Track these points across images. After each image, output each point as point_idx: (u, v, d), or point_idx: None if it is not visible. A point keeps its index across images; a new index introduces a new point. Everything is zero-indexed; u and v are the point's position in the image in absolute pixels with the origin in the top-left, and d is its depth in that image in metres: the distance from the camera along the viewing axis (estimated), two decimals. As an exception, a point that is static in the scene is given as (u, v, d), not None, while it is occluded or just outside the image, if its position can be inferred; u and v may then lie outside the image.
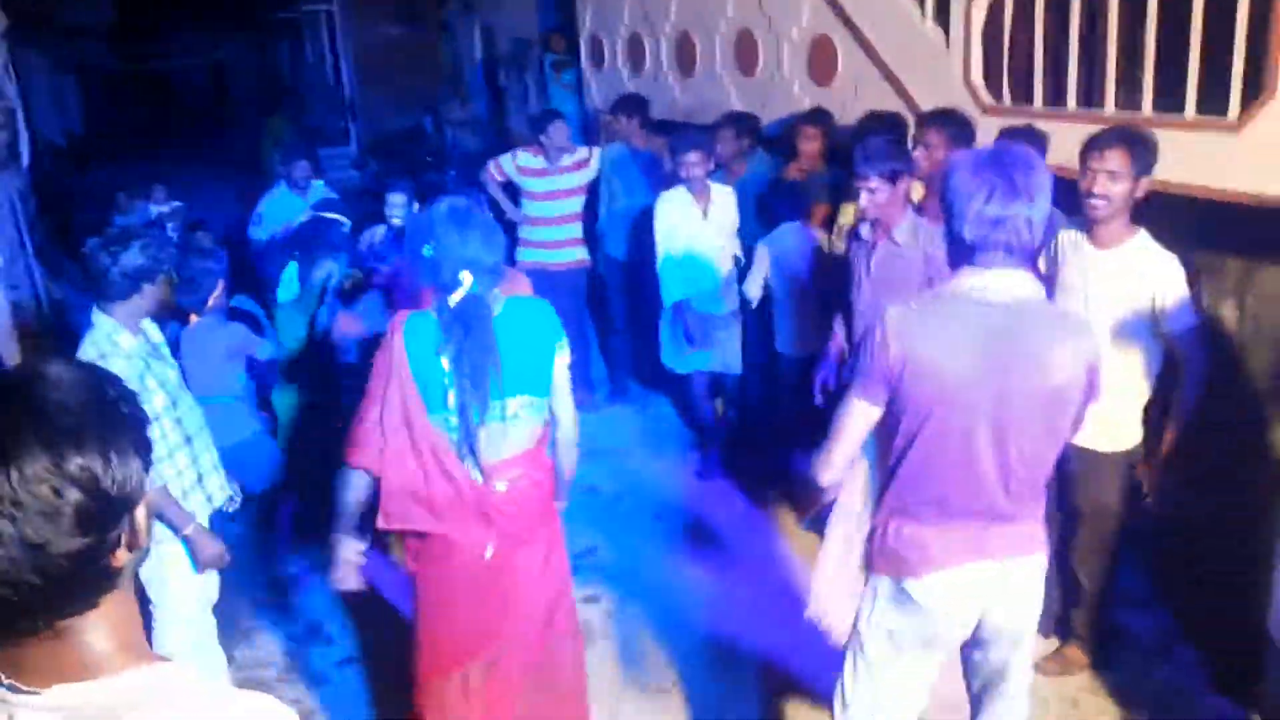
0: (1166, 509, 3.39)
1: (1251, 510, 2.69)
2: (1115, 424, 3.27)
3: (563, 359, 2.69)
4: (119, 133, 20.90)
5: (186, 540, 3.12)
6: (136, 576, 3.06)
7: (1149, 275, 3.13)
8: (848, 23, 5.20)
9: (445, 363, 2.52)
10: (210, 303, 4.17)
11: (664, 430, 5.94)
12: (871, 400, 2.22)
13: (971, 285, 2.16)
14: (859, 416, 2.25)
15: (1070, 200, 3.27)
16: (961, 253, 2.18)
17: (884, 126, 4.51)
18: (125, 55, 23.07)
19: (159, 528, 3.10)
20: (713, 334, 5.04)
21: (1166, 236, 3.78)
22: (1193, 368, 3.17)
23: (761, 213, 5.06)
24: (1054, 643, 3.67)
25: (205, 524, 3.26)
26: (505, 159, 6.13)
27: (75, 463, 1.00)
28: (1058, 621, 3.68)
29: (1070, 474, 3.40)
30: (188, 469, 3.18)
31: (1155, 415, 3.61)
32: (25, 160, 10.04)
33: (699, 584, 4.27)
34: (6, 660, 1.05)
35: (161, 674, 1.10)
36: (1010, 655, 2.40)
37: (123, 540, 1.07)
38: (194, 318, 4.18)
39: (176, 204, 7.60)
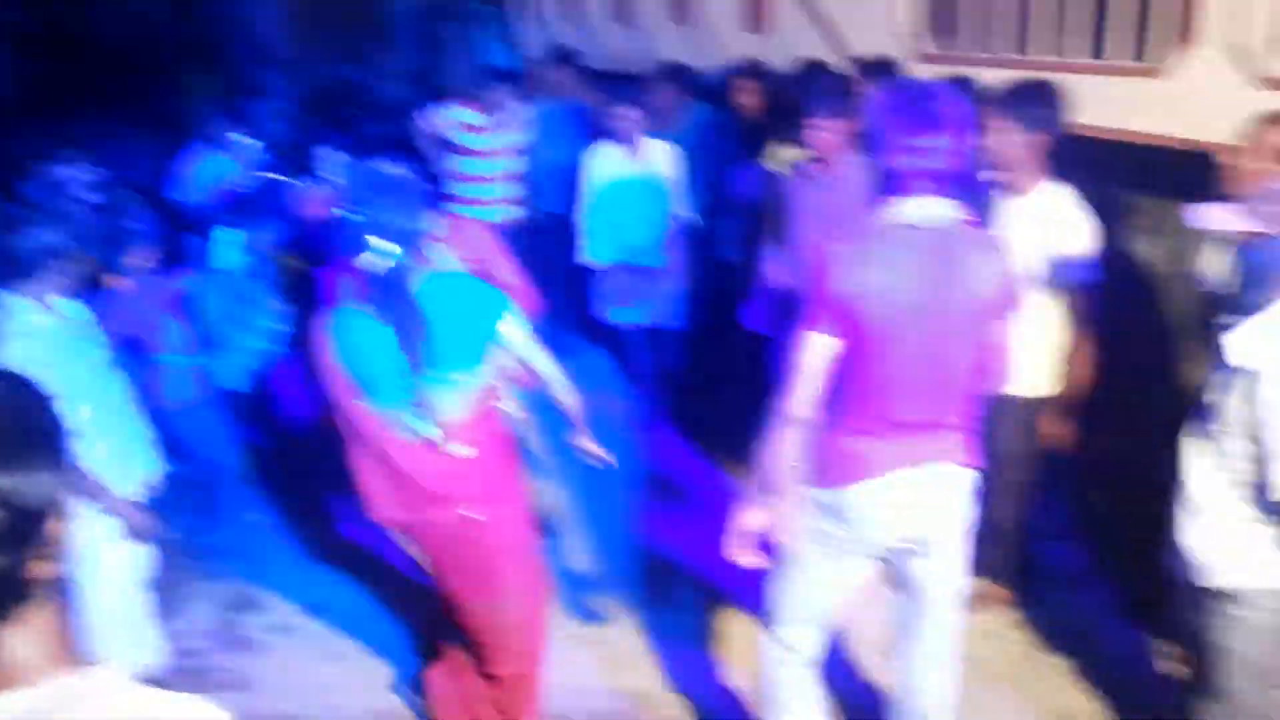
0: (1071, 454, 3.47)
1: (1162, 446, 2.76)
2: (1024, 369, 3.32)
3: (513, 327, 2.63)
4: (34, 94, 20.19)
5: (114, 515, 3.05)
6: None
7: (1054, 224, 3.18)
8: (780, -31, 5.15)
9: (368, 334, 2.49)
10: (131, 263, 4.05)
11: (607, 381, 5.94)
12: (825, 332, 2.30)
13: (901, 213, 2.28)
14: (817, 349, 2.32)
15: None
16: (889, 183, 2.29)
17: (820, 76, 4.51)
18: (39, 13, 22.19)
19: (85, 505, 3.04)
20: (646, 288, 5.02)
21: (1092, 179, 3.83)
22: (1078, 321, 3.25)
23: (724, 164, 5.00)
24: (973, 581, 3.75)
25: (134, 497, 3.19)
26: (439, 113, 6.02)
27: None
28: (977, 560, 3.75)
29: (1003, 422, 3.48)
30: (116, 443, 3.10)
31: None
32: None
33: (639, 533, 4.29)
34: None
35: (89, 679, 1.08)
36: (930, 565, 2.52)
37: (39, 553, 1.05)
38: (116, 280, 4.06)
39: (92, 166, 7.33)
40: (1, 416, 1.03)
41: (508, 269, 3.30)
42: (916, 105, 2.22)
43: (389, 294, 2.45)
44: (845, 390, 2.35)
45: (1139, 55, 3.57)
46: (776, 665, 2.71)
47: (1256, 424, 2.25)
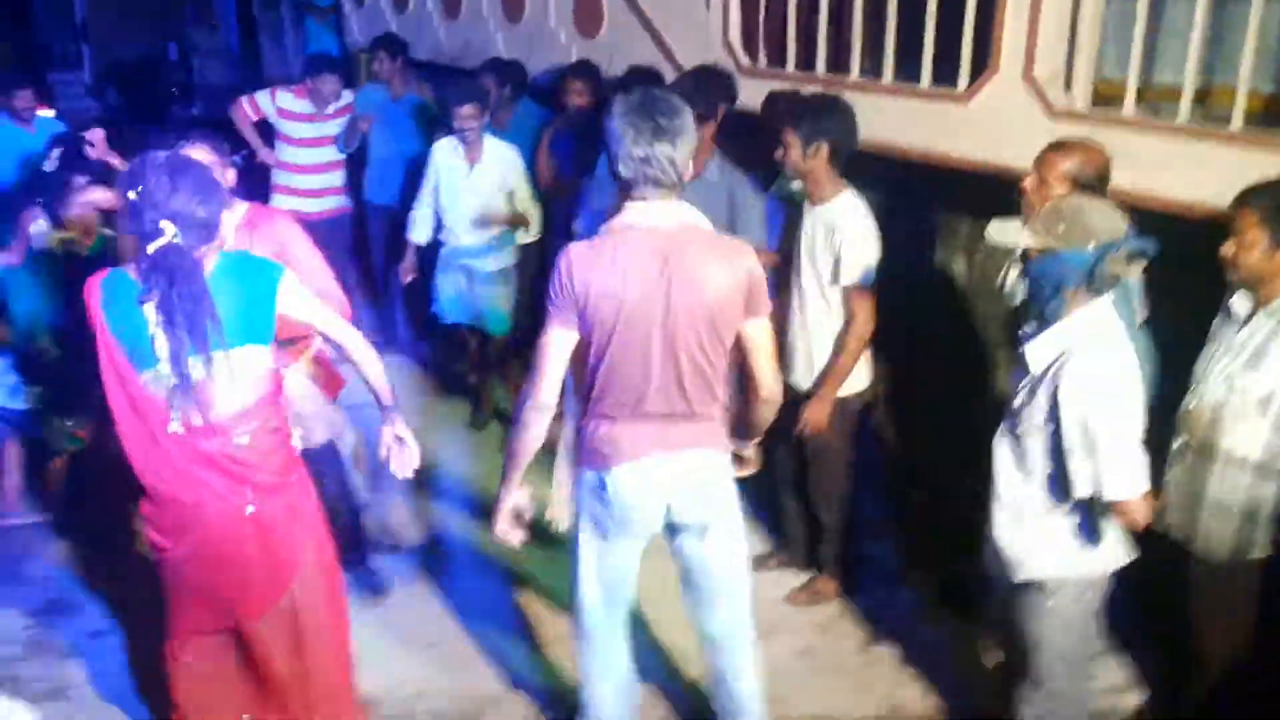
0: (893, 453, 3.69)
1: (975, 448, 2.98)
2: (810, 365, 3.56)
3: (296, 291, 2.63)
4: None
5: None
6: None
7: (838, 231, 3.37)
8: (613, -25, 5.23)
9: (149, 314, 2.43)
10: None
11: (436, 378, 5.89)
12: (565, 326, 2.49)
13: (635, 216, 2.46)
14: (558, 342, 2.51)
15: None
16: (623, 187, 2.47)
17: (646, 82, 4.60)
18: None
19: None
20: (475, 289, 5.02)
21: (906, 200, 4.08)
22: (853, 323, 3.44)
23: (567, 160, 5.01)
24: (806, 576, 3.94)
25: None
26: (263, 98, 5.83)
27: None
28: (809, 556, 3.95)
29: (795, 416, 3.63)
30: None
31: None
32: None
33: (471, 536, 4.30)
34: None
35: None
36: (704, 548, 2.72)
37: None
38: None
39: None
40: None
41: (312, 263, 3.23)
42: (644, 113, 2.38)
43: (165, 271, 2.39)
44: (593, 381, 2.54)
45: (948, 81, 3.81)
46: (585, 649, 2.89)
47: (1056, 425, 2.45)
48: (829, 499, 3.75)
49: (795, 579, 3.96)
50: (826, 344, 3.53)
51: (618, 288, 2.42)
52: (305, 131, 5.84)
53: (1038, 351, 2.51)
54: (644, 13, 5.07)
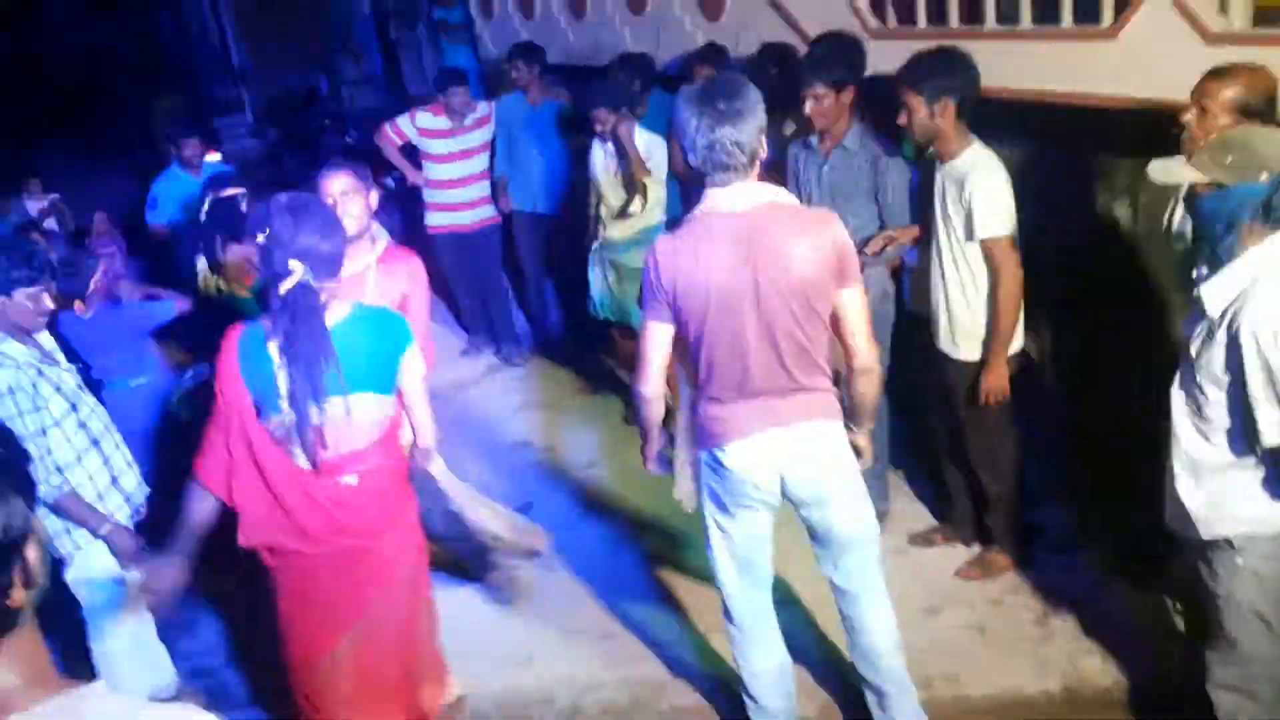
0: (1064, 415, 3.52)
1: (1150, 404, 2.81)
2: (974, 332, 3.42)
3: (414, 365, 2.70)
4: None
5: (106, 540, 3.09)
6: (65, 585, 3.03)
7: (967, 185, 3.25)
8: (733, -46, 5.17)
9: (273, 351, 2.53)
10: (91, 287, 4.10)
11: (590, 379, 5.98)
12: (661, 320, 2.60)
13: (714, 202, 2.52)
14: (655, 335, 2.62)
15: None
16: (699, 176, 2.53)
17: (779, 57, 4.53)
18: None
19: (80, 533, 3.07)
20: (622, 285, 5.04)
21: (1058, 147, 3.89)
22: (999, 277, 3.29)
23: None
24: (975, 550, 3.81)
25: (129, 523, 3.22)
26: (403, 121, 6.02)
27: None
28: (976, 529, 3.82)
29: (947, 384, 3.55)
30: (99, 472, 3.14)
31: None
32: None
33: (636, 530, 4.34)
34: None
35: (73, 701, 1.10)
36: (826, 515, 2.74)
37: (16, 581, 1.07)
38: (79, 305, 4.11)
39: (53, 196, 7.28)
40: None
41: (421, 316, 3.30)
42: (705, 100, 2.43)
43: (291, 310, 2.49)
44: (697, 366, 2.63)
45: (1090, 18, 3.62)
46: (736, 634, 2.96)
47: (1238, 372, 2.30)
48: (993, 466, 3.61)
49: (964, 554, 3.84)
50: (969, 307, 3.40)
51: (703, 277, 2.48)
52: (446, 147, 6.00)
53: (1213, 293, 2.35)
54: (767, -10, 4.99)
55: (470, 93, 6.01)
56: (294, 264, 2.47)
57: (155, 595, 2.72)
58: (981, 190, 3.23)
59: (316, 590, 2.73)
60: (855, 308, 2.59)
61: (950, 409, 3.56)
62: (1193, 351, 2.44)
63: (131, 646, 3.29)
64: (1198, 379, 2.42)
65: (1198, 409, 2.44)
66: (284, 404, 2.54)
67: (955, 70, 3.26)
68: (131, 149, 12.92)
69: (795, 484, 2.69)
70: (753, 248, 2.46)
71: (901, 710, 2.94)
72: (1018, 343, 3.48)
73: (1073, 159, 4.01)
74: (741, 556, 2.84)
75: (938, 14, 4.21)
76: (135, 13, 17.28)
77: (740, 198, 2.50)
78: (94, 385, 3.98)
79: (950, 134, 3.30)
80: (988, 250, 3.29)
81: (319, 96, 12.89)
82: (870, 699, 2.99)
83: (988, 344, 3.39)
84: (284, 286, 2.48)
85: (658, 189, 4.92)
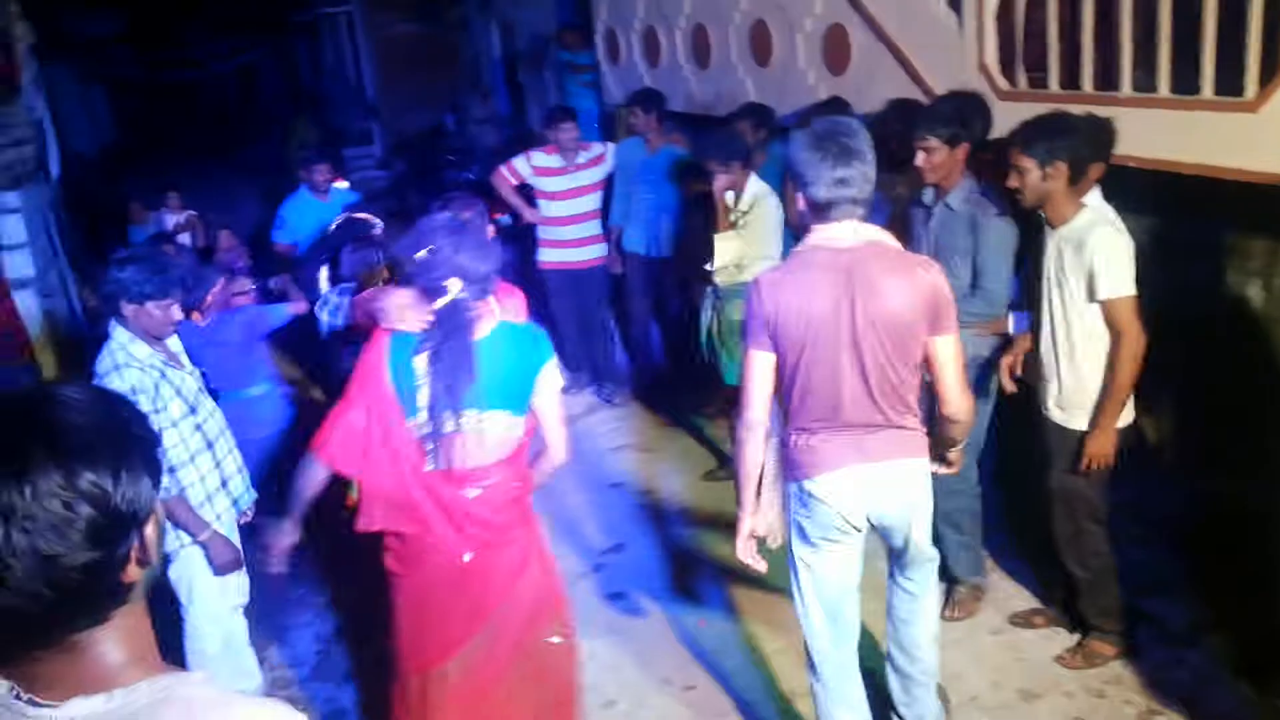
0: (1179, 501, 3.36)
1: (1275, 494, 2.67)
2: (1083, 402, 3.30)
3: (551, 380, 2.74)
4: (148, 141, 21.13)
5: (204, 547, 3.18)
6: (167, 579, 3.13)
7: (1088, 246, 3.16)
8: (860, 10, 5.18)
9: (420, 364, 2.62)
10: (209, 300, 4.27)
11: (688, 424, 5.96)
12: (762, 348, 2.69)
13: (825, 237, 2.63)
14: (758, 363, 2.71)
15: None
16: (816, 211, 2.62)
17: (905, 112, 4.48)
18: (151, 65, 23.34)
19: (183, 533, 3.17)
20: (723, 336, 5.01)
21: (1189, 220, 3.76)
22: (1121, 338, 3.17)
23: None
24: (1077, 637, 3.65)
25: (233, 526, 3.32)
26: (519, 162, 6.15)
27: (86, 479, 1.04)
28: (1074, 616, 3.66)
29: (1047, 452, 3.43)
30: (210, 474, 3.24)
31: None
32: (55, 172, 10.20)
33: (725, 579, 4.28)
34: (24, 675, 1.09)
35: (172, 683, 1.13)
36: (910, 538, 2.85)
37: (133, 556, 1.10)
38: (197, 317, 4.28)
39: (191, 212, 7.65)
40: (101, 424, 1.09)
41: None
42: (831, 140, 2.55)
43: (445, 326, 2.60)
44: (790, 397, 2.72)
45: (1232, 90, 3.50)
46: (818, 684, 2.99)
47: None
48: (1077, 550, 3.45)
49: (1066, 639, 3.67)
50: (1080, 374, 3.29)
51: (804, 306, 2.60)
52: (559, 185, 6.10)
53: None
54: (893, 43, 4.98)
55: (584, 132, 6.11)
56: (452, 281, 2.57)
57: (271, 554, 2.81)
58: (1104, 250, 3.14)
59: (435, 599, 2.77)
60: (948, 355, 2.66)
61: (1046, 481, 3.43)
62: None
63: (224, 649, 3.37)
64: None
65: None
66: (423, 413, 2.63)
67: (1069, 133, 3.20)
68: (267, 173, 13.49)
69: (882, 517, 2.79)
70: (853, 282, 2.57)
71: (926, 696, 3.09)
72: (1128, 414, 3.34)
73: (1205, 234, 3.88)
74: (829, 600, 2.88)
75: (1070, 78, 4.13)
76: (278, 46, 18.13)
77: (848, 234, 2.61)
78: (211, 395, 4.15)
79: (1061, 198, 3.22)
80: (1111, 311, 3.18)
81: (445, 133, 13.29)
82: (895, 685, 3.11)
83: (1099, 407, 3.26)
84: (440, 301, 2.60)
85: (758, 244, 4.78)
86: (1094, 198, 3.28)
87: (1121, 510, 3.53)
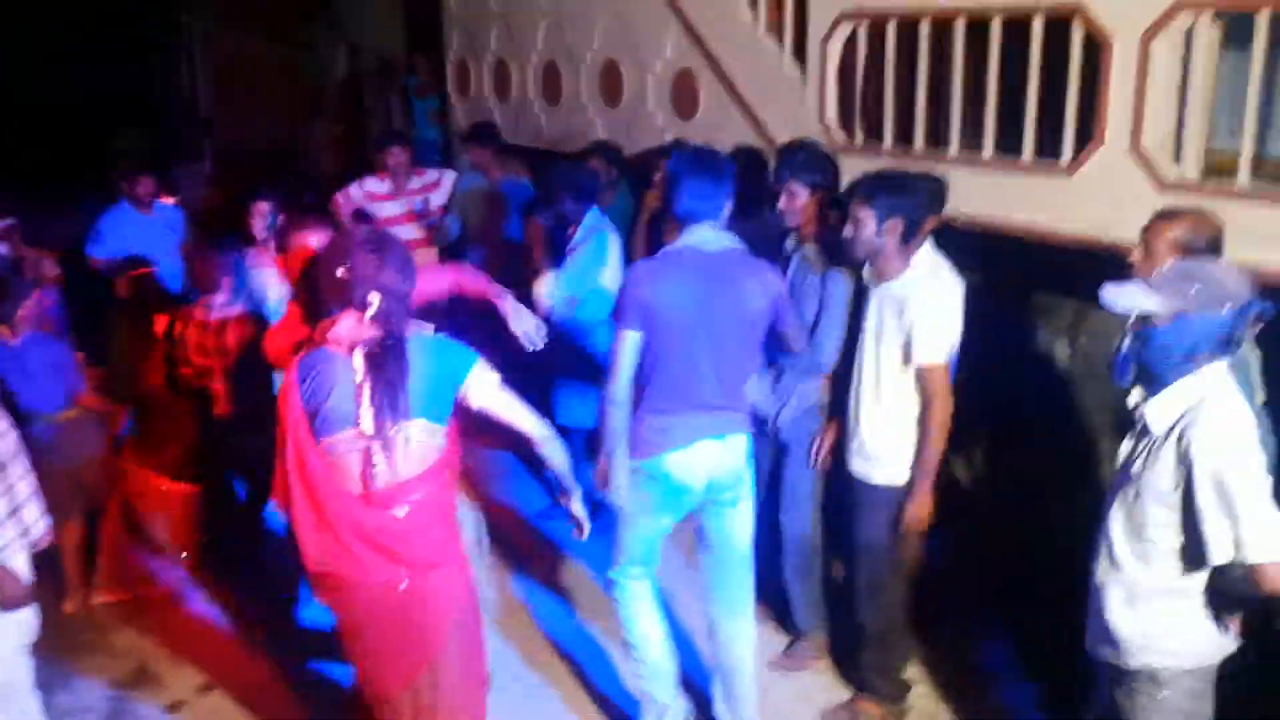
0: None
1: (1077, 539, 2.81)
2: (885, 457, 3.31)
3: (486, 379, 2.70)
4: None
5: None
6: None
7: (909, 309, 3.16)
8: (710, 58, 5.28)
9: (350, 378, 2.55)
10: (20, 315, 3.99)
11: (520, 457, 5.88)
12: (632, 328, 3.04)
13: (689, 241, 3.07)
14: (627, 342, 3.06)
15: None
16: (681, 219, 3.08)
17: (749, 161, 4.57)
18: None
19: None
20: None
21: (1005, 277, 3.95)
22: (931, 405, 3.19)
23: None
24: (847, 694, 3.68)
25: (24, 556, 3.05)
26: (352, 188, 6.01)
27: None
28: (853, 670, 3.69)
29: (850, 507, 3.45)
30: (-1, 500, 2.97)
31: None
32: None
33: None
34: None
35: None
36: (732, 519, 3.27)
37: None
38: (5, 331, 3.99)
39: (9, 220, 7.12)
40: None
41: None
42: (700, 161, 3.10)
43: (384, 343, 2.55)
44: (653, 379, 3.07)
45: (1051, 154, 3.71)
46: (625, 595, 3.35)
47: (1185, 488, 2.29)
48: (871, 603, 3.46)
49: (838, 693, 3.69)
50: (890, 432, 3.29)
51: (670, 298, 2.98)
52: (390, 210, 5.97)
53: (1159, 411, 2.35)
54: (740, 93, 5.10)
55: (426, 160, 6.02)
56: (373, 297, 2.53)
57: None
58: (923, 316, 3.15)
59: (377, 627, 2.70)
60: (802, 340, 3.30)
61: (849, 534, 3.46)
62: (1133, 471, 2.43)
63: (4, 692, 3.08)
64: (1141, 499, 2.40)
65: (1139, 531, 2.41)
66: (366, 425, 2.55)
67: (912, 191, 3.20)
68: (90, 182, 12.76)
69: (717, 486, 3.19)
70: (714, 281, 3.00)
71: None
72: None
73: (1019, 291, 4.08)
74: (642, 543, 3.29)
75: (903, 134, 4.30)
76: (105, 56, 17.29)
77: (713, 240, 3.07)
78: (23, 416, 3.85)
79: (893, 254, 3.21)
80: (924, 377, 3.18)
81: (285, 154, 12.88)
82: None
83: (915, 473, 3.26)
84: (366, 316, 2.54)
85: (582, 278, 4.63)
86: (926, 251, 3.31)
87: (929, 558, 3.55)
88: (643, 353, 3.04)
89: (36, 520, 3.12)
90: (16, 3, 18.58)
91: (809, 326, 3.53)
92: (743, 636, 3.36)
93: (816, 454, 3.62)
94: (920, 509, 3.27)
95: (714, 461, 3.14)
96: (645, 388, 3.09)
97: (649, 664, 3.36)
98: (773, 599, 3.92)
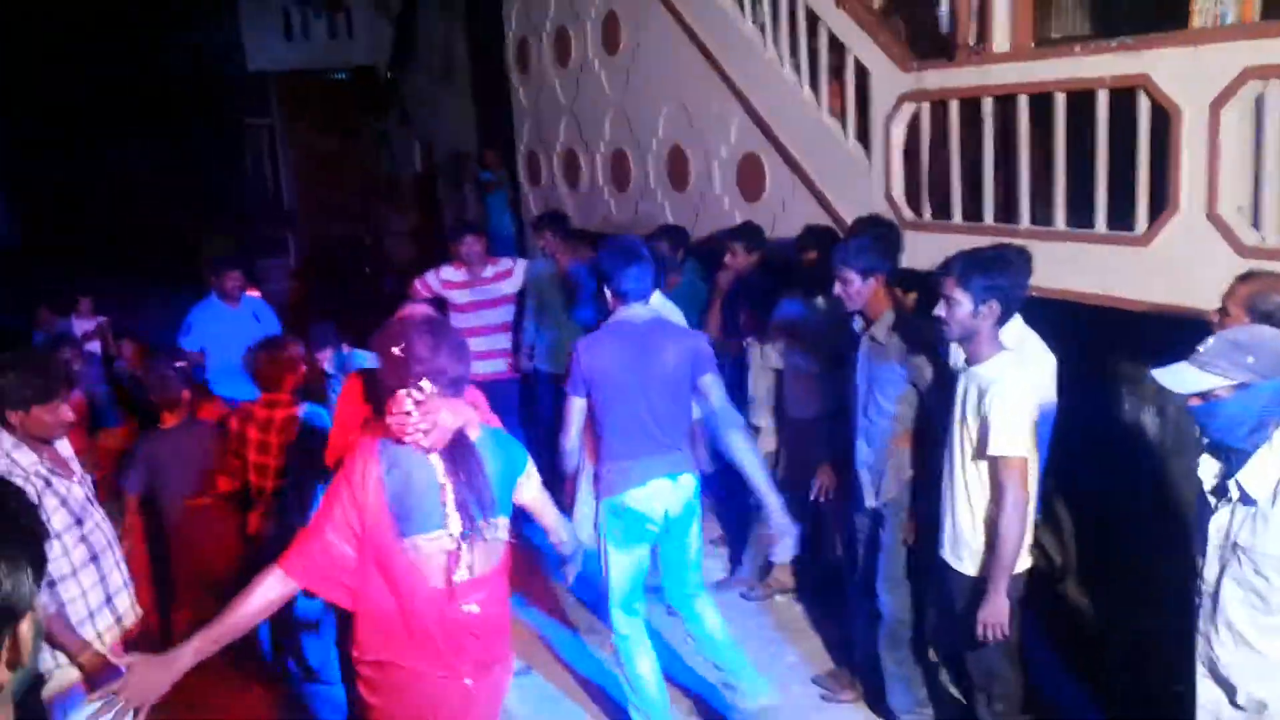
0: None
1: (1179, 615, 2.71)
2: (975, 547, 3.18)
3: (532, 475, 2.73)
4: (57, 244, 20.67)
5: (80, 668, 2.98)
6: (38, 702, 2.91)
7: (988, 397, 3.03)
8: (774, 141, 5.36)
9: (436, 464, 2.50)
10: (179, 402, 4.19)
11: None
12: (579, 395, 3.56)
13: (625, 315, 3.56)
14: (575, 406, 3.58)
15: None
16: (620, 297, 3.56)
17: (823, 239, 4.60)
18: (63, 166, 23.01)
19: (59, 653, 2.97)
20: None
21: (1083, 347, 3.89)
22: (1002, 500, 3.04)
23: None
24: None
25: (115, 643, 3.12)
26: (430, 276, 6.16)
27: None
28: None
29: (947, 594, 3.33)
30: (93, 589, 3.05)
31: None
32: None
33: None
34: None
35: None
36: (678, 541, 3.71)
37: (2, 655, 1.03)
38: (168, 417, 4.17)
39: (101, 319, 7.44)
40: None
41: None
42: (628, 253, 3.57)
43: (463, 440, 2.52)
44: (605, 431, 3.58)
45: (1124, 224, 3.68)
46: (624, 642, 3.73)
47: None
48: (991, 688, 3.30)
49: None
50: (973, 518, 3.17)
51: (609, 364, 3.50)
52: (465, 297, 6.09)
53: (1256, 479, 2.29)
54: (805, 173, 5.15)
55: (499, 248, 6.13)
56: (425, 382, 2.47)
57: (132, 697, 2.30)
58: (1001, 405, 3.01)
59: (437, 714, 2.60)
60: (712, 383, 3.57)
61: (949, 621, 3.35)
62: (1241, 544, 2.34)
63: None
64: (1257, 568, 2.32)
65: (1264, 602, 2.33)
66: (453, 524, 2.50)
67: (1006, 269, 3.06)
68: (181, 277, 13.23)
69: (671, 518, 3.63)
70: (645, 347, 3.51)
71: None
72: (1024, 561, 3.21)
73: (1099, 363, 4.01)
74: (625, 577, 3.69)
75: (973, 210, 4.30)
76: (194, 155, 18.07)
77: (642, 313, 3.58)
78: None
79: (987, 337, 3.09)
80: (995, 467, 3.05)
81: (361, 245, 13.28)
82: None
83: (988, 570, 3.10)
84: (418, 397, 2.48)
85: None
86: (1016, 325, 3.20)
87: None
88: (597, 410, 3.56)
89: (128, 609, 3.21)
90: (113, 113, 19.63)
91: (885, 408, 3.54)
92: (708, 609, 3.78)
93: (907, 530, 3.58)
94: (995, 613, 3.07)
95: (668, 496, 3.61)
96: (602, 439, 3.60)
97: (647, 698, 3.74)
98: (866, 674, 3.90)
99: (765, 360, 4.69)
